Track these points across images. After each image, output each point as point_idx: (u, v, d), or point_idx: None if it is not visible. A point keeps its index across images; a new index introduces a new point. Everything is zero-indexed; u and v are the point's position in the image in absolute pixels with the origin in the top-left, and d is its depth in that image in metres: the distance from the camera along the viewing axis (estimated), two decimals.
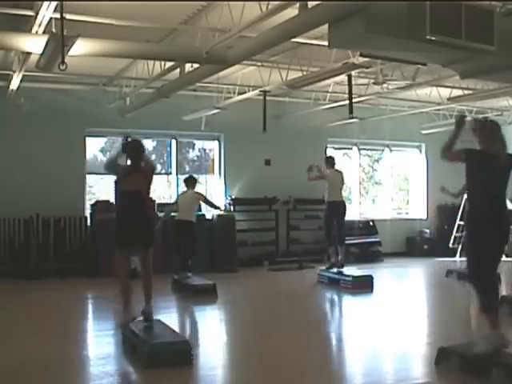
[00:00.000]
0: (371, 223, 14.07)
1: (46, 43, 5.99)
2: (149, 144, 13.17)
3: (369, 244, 13.63)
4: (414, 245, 14.58)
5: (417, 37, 4.80)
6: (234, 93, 11.09)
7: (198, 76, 8.47)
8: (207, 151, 13.50)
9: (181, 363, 5.04)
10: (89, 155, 12.15)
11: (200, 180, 13.29)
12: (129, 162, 5.91)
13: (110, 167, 6.01)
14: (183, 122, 11.89)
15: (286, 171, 12.91)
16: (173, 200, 10.94)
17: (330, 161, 10.57)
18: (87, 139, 11.83)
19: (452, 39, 4.88)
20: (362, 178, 15.14)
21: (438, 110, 13.34)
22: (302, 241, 13.12)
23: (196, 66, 8.17)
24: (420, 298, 9.53)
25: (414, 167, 15.60)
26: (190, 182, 9.75)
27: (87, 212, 11.56)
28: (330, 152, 13.93)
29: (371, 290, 9.31)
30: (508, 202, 5.01)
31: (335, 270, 9.94)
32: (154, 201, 10.89)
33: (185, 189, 9.85)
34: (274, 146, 12.84)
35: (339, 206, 10.18)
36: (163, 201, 11.95)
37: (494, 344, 4.71)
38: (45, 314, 7.66)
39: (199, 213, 10.55)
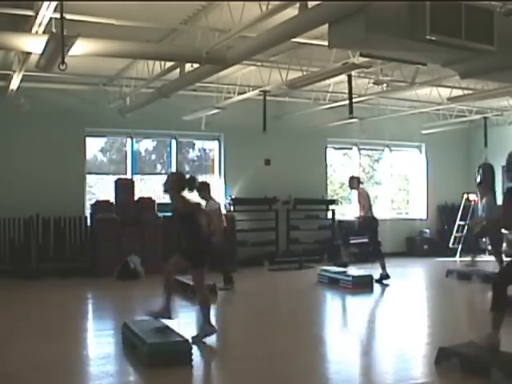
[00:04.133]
0: None
1: (46, 43, 5.99)
2: (149, 144, 13.20)
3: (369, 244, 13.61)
4: (414, 245, 14.58)
5: (417, 37, 4.80)
6: (234, 93, 11.09)
7: (198, 76, 8.47)
8: (207, 151, 13.50)
9: (181, 363, 5.04)
10: (89, 155, 12.15)
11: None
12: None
13: None
14: (183, 122, 11.89)
15: (286, 171, 12.92)
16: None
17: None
18: (87, 139, 11.82)
19: (452, 39, 4.88)
20: (361, 178, 15.13)
21: (438, 110, 13.34)
22: (302, 241, 13.11)
23: (196, 65, 8.17)
24: (420, 297, 9.52)
25: (413, 167, 15.60)
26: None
27: (87, 212, 11.57)
28: (329, 152, 14.03)
29: (371, 290, 9.31)
30: None
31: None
32: None
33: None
34: (274, 145, 12.84)
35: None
36: (163, 201, 11.93)
37: (491, 344, 4.79)
38: (45, 313, 7.66)
39: None
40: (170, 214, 9.24)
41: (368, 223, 10.06)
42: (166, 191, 6.14)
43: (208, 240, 6.34)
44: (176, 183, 6.02)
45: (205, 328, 5.91)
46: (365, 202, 10.13)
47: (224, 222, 9.27)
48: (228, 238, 9.49)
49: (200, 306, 6.02)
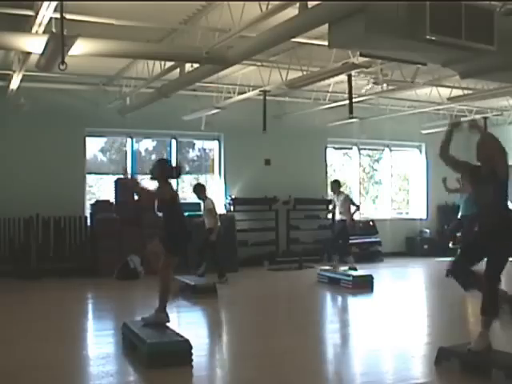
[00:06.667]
0: (371, 223, 14.07)
1: (46, 43, 6.00)
2: (149, 144, 13.20)
3: (369, 244, 13.64)
4: (414, 245, 14.58)
5: (417, 37, 4.81)
6: (234, 93, 11.10)
7: (198, 76, 8.47)
8: (207, 151, 13.50)
9: (181, 363, 5.04)
10: (89, 155, 12.16)
11: (200, 180, 13.34)
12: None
13: None
14: (183, 122, 11.89)
15: (286, 171, 12.92)
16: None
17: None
18: (87, 139, 11.83)
19: (452, 39, 4.89)
20: (362, 177, 15.14)
21: (438, 109, 13.35)
22: (302, 241, 13.11)
23: (196, 65, 8.17)
24: (420, 297, 9.52)
25: (414, 167, 15.60)
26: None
27: (87, 212, 11.57)
28: (329, 152, 14.05)
29: (371, 290, 9.31)
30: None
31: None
32: None
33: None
34: (274, 145, 12.84)
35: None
36: None
37: (485, 343, 4.79)
38: (45, 313, 7.66)
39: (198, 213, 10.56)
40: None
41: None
42: (153, 178, 6.17)
43: (187, 231, 6.27)
44: (164, 171, 6.08)
45: (156, 315, 5.84)
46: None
47: (218, 222, 9.84)
48: (220, 236, 10.01)
49: (159, 292, 5.95)
